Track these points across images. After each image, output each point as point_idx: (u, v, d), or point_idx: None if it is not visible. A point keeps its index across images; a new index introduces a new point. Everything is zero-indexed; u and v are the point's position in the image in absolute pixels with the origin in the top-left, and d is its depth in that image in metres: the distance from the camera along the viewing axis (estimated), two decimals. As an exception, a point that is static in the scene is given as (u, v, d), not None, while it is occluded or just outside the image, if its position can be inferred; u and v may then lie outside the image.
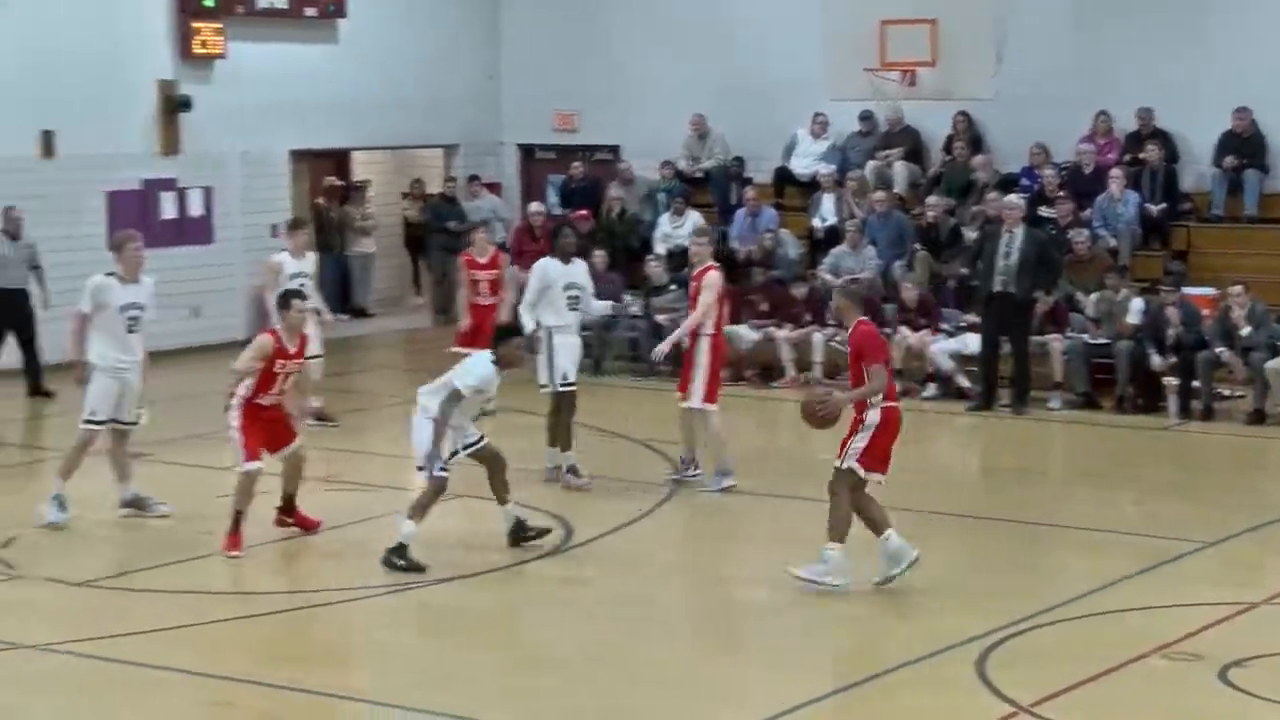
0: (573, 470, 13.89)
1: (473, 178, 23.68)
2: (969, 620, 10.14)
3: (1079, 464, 15.69)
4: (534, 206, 22.12)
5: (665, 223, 21.24)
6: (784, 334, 18.79)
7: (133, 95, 20.13)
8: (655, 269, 19.95)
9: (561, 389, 13.85)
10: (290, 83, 21.51)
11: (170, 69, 20.52)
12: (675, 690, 9.32)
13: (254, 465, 11.55)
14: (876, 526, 10.84)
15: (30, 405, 17.37)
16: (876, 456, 10.66)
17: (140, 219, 20.03)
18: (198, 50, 20.61)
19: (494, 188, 23.99)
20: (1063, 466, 16.02)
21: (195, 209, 20.79)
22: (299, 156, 22.30)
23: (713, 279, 13.64)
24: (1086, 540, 12.45)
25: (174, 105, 20.43)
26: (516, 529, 11.91)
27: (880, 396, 10.63)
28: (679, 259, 20.24)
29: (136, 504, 12.60)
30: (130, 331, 12.42)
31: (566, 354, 13.85)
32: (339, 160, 23.97)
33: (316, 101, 21.85)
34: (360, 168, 24.60)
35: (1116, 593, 10.88)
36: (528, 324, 13.70)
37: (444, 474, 11.43)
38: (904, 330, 18.02)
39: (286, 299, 12.02)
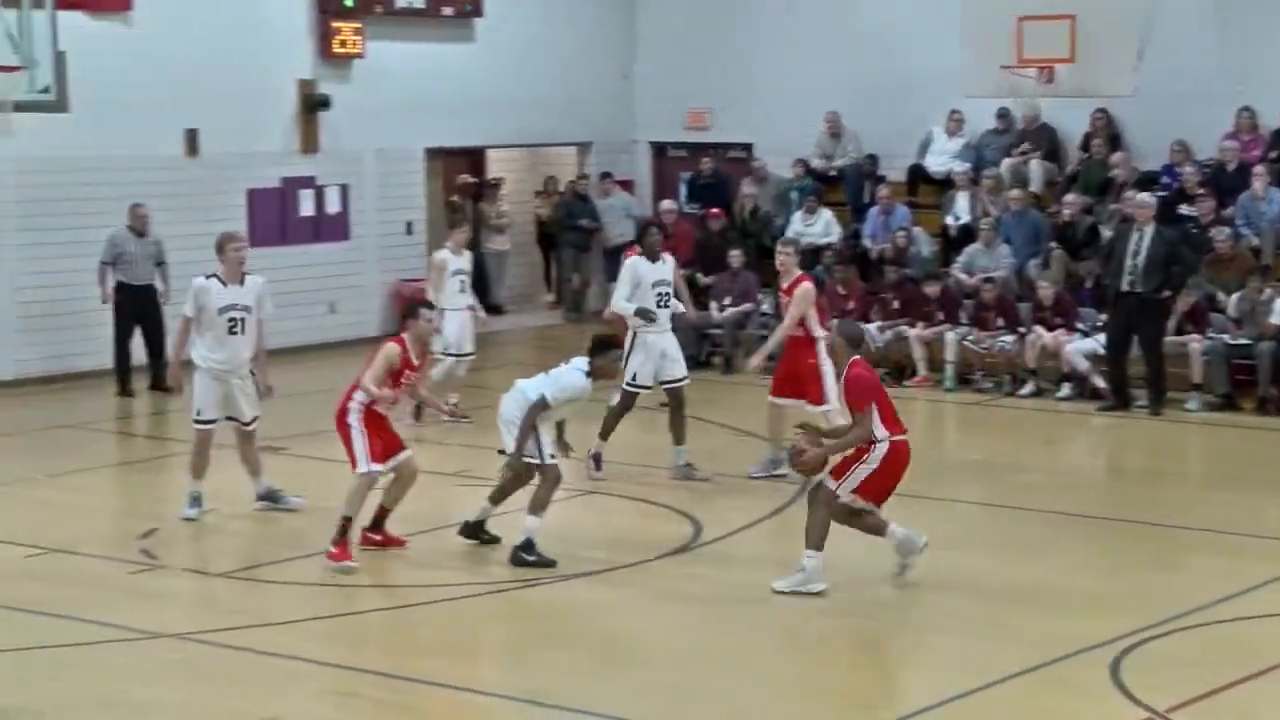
0: (688, 465, 13.95)
1: (605, 175, 23.77)
2: (1103, 623, 9.99)
3: (1218, 466, 15.41)
4: (665, 204, 22.13)
5: (797, 221, 21.16)
6: (916, 333, 18.64)
7: (274, 94, 20.42)
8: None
9: (666, 385, 13.99)
10: (427, 81, 21.72)
11: (310, 68, 20.79)
12: (805, 692, 9.28)
13: (377, 467, 11.43)
14: (878, 530, 10.80)
15: (153, 400, 17.65)
16: (874, 489, 10.64)
17: (279, 216, 20.37)
18: (337, 50, 20.87)
19: (626, 185, 24.06)
20: (1201, 469, 15.74)
21: (332, 206, 21.05)
22: (434, 154, 22.51)
23: (804, 292, 13.55)
24: (1225, 544, 12.21)
25: (313, 104, 20.71)
26: (477, 527, 11.84)
27: (885, 433, 10.53)
28: (810, 257, 20.17)
29: (270, 497, 12.77)
30: (232, 333, 12.34)
31: (652, 352, 13.89)
32: (474, 158, 24.15)
33: (452, 100, 22.03)
34: (495, 165, 24.77)
35: (1256, 598, 10.66)
36: (629, 314, 13.87)
37: (554, 462, 11.47)
38: (1039, 330, 17.80)
39: (414, 309, 11.88)
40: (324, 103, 20.71)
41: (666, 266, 14.16)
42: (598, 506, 13.29)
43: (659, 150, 24.56)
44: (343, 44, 20.91)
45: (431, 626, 10.37)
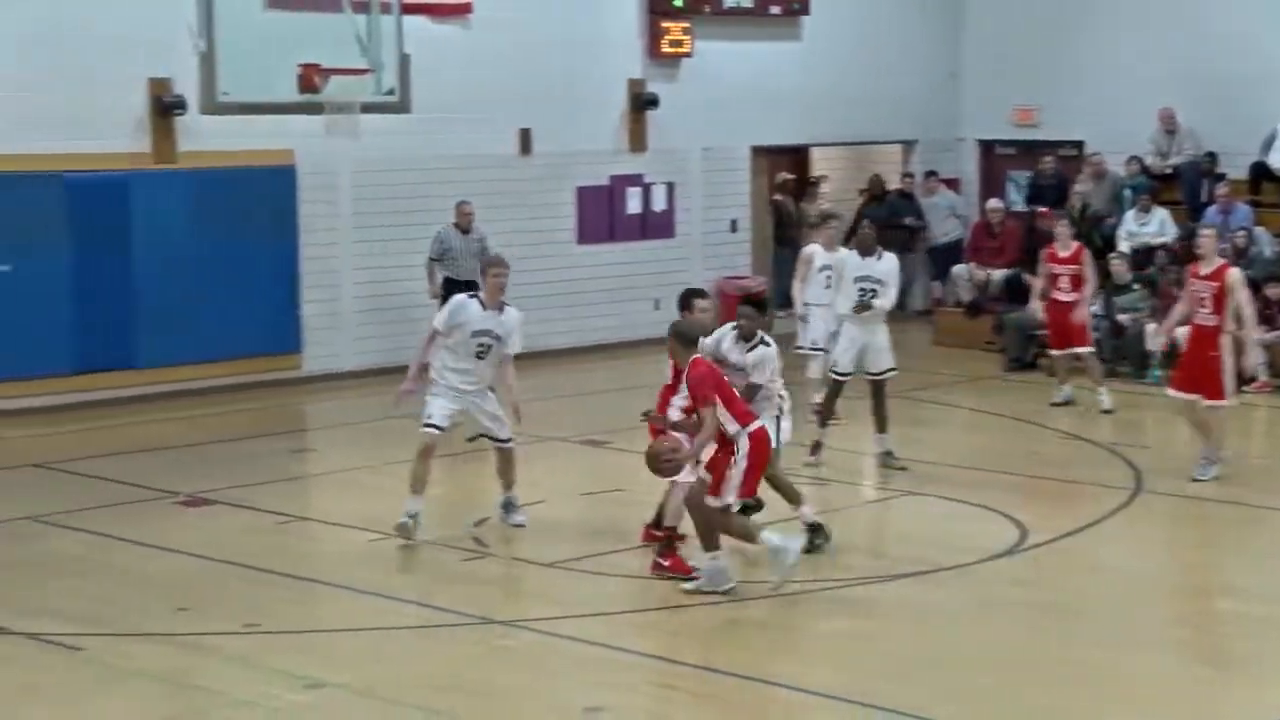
0: (888, 453, 14.17)
1: (930, 174, 23.54)
2: None
3: None
4: (992, 203, 21.81)
5: (1130, 220, 20.63)
6: (1256, 336, 17.97)
7: (604, 94, 20.79)
8: (1118, 267, 19.37)
9: (836, 376, 14.26)
10: (753, 80, 21.84)
11: (640, 68, 21.12)
12: (1139, 701, 9.06)
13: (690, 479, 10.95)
14: (748, 537, 10.67)
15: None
16: (749, 485, 10.65)
17: (607, 214, 20.74)
18: (666, 49, 21.14)
19: (952, 184, 23.79)
20: None
21: (659, 204, 21.34)
22: (758, 152, 22.62)
23: (1238, 276, 13.35)
24: None
25: (642, 103, 21.03)
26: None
27: (738, 426, 10.42)
28: (1143, 257, 19.63)
29: (506, 507, 12.48)
30: (479, 358, 12.07)
31: (855, 342, 14.12)
32: (798, 156, 24.19)
33: (777, 98, 22.10)
34: (819, 163, 24.76)
35: None
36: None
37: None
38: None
39: (689, 298, 11.62)
40: (652, 101, 21.00)
41: (879, 264, 14.25)
42: (919, 507, 13.19)
43: (986, 148, 24.21)
44: (672, 44, 21.17)
45: (751, 622, 10.43)
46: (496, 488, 12.53)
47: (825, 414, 14.41)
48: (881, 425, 14.26)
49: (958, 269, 22.03)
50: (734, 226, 22.17)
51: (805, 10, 22.27)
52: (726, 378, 10.85)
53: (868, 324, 14.17)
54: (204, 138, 17.34)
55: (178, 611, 10.37)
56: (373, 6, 16.29)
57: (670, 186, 21.45)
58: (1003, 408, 17.40)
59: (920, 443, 15.28)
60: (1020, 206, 22.78)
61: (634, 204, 21.03)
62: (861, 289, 14.16)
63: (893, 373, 14.30)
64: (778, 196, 23.38)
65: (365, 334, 18.98)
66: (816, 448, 14.22)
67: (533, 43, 19.90)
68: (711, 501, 10.59)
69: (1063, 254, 16.87)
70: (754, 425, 10.62)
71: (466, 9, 19.43)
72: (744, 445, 10.52)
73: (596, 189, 20.74)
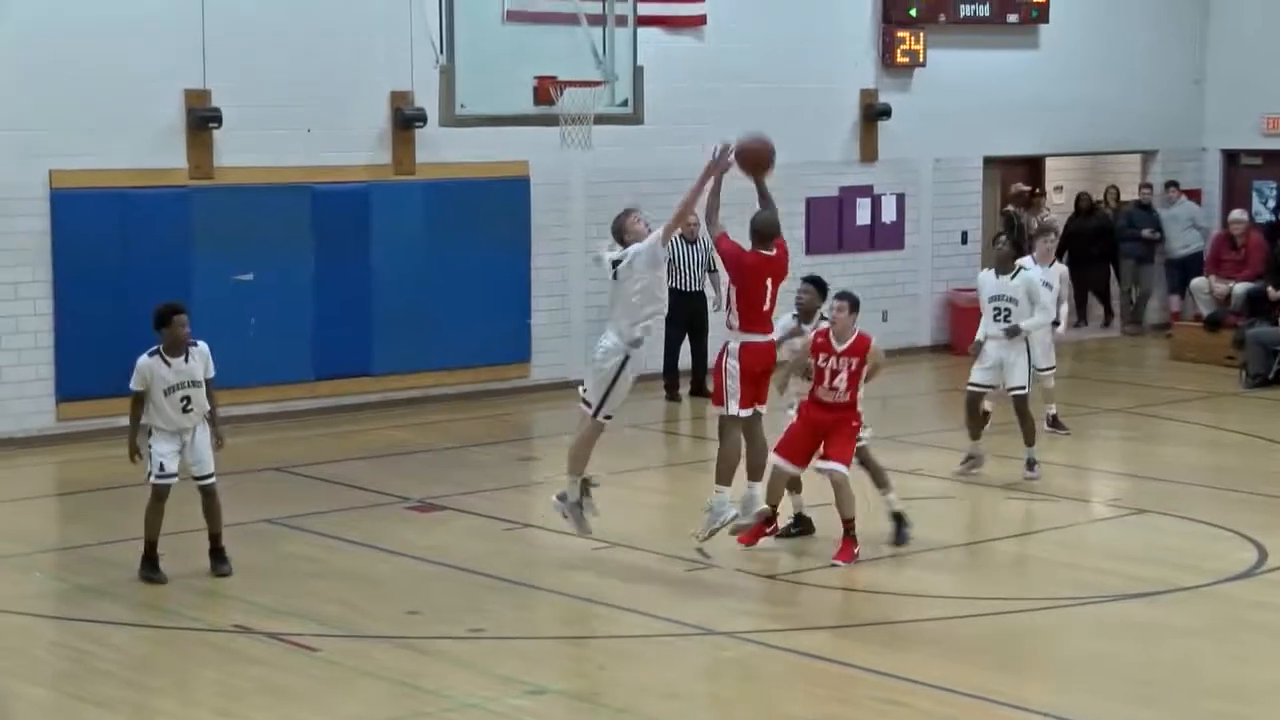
0: (1029, 463, 14.11)
1: (1170, 184, 22.99)
2: None
3: None
4: (1235, 214, 21.25)
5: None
6: None
7: (836, 104, 20.72)
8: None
9: (1010, 391, 14.15)
10: (987, 89, 21.58)
11: (872, 78, 21.00)
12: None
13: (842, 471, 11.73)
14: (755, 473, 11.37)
15: (693, 405, 18.13)
16: (748, 396, 11.24)
17: (836, 225, 20.66)
18: (900, 59, 20.99)
19: (1193, 195, 23.20)
20: None
21: (888, 215, 21.19)
22: (991, 163, 22.33)
23: None
24: None
25: (874, 113, 20.91)
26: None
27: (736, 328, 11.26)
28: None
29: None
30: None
31: (992, 360, 14.08)
32: (1032, 166, 23.81)
33: (1012, 108, 21.80)
34: (1053, 174, 24.35)
35: None
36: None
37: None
38: None
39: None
40: (885, 112, 20.87)
41: (1011, 283, 14.15)
42: (1154, 525, 12.91)
43: (1230, 158, 23.57)
44: (905, 53, 21.01)
45: (981, 640, 10.31)
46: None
47: (971, 428, 14.23)
48: (1027, 439, 14.18)
49: (1197, 282, 21.49)
50: (964, 238, 21.92)
51: (1044, 19, 21.92)
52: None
53: (1003, 342, 14.14)
54: (442, 149, 17.71)
55: (407, 615, 10.61)
56: (608, 19, 16.43)
57: (900, 198, 21.28)
58: (1242, 425, 16.94)
59: (1156, 460, 14.94)
60: (1266, 217, 22.14)
61: (863, 215, 20.92)
62: (996, 308, 14.14)
63: (1021, 390, 14.11)
64: (1009, 207, 23.04)
65: (593, 344, 19.12)
66: (969, 460, 14.22)
67: (765, 53, 19.91)
68: (719, 411, 11.26)
69: None
70: (751, 337, 11.19)
71: (700, 20, 19.54)
72: (734, 349, 11.21)
73: (826, 200, 20.67)
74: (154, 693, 9.39)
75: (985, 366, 14.20)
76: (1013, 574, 11.71)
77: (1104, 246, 22.88)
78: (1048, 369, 15.61)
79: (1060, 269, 16.27)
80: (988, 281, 14.40)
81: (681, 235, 18.18)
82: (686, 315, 18.00)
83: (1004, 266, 14.33)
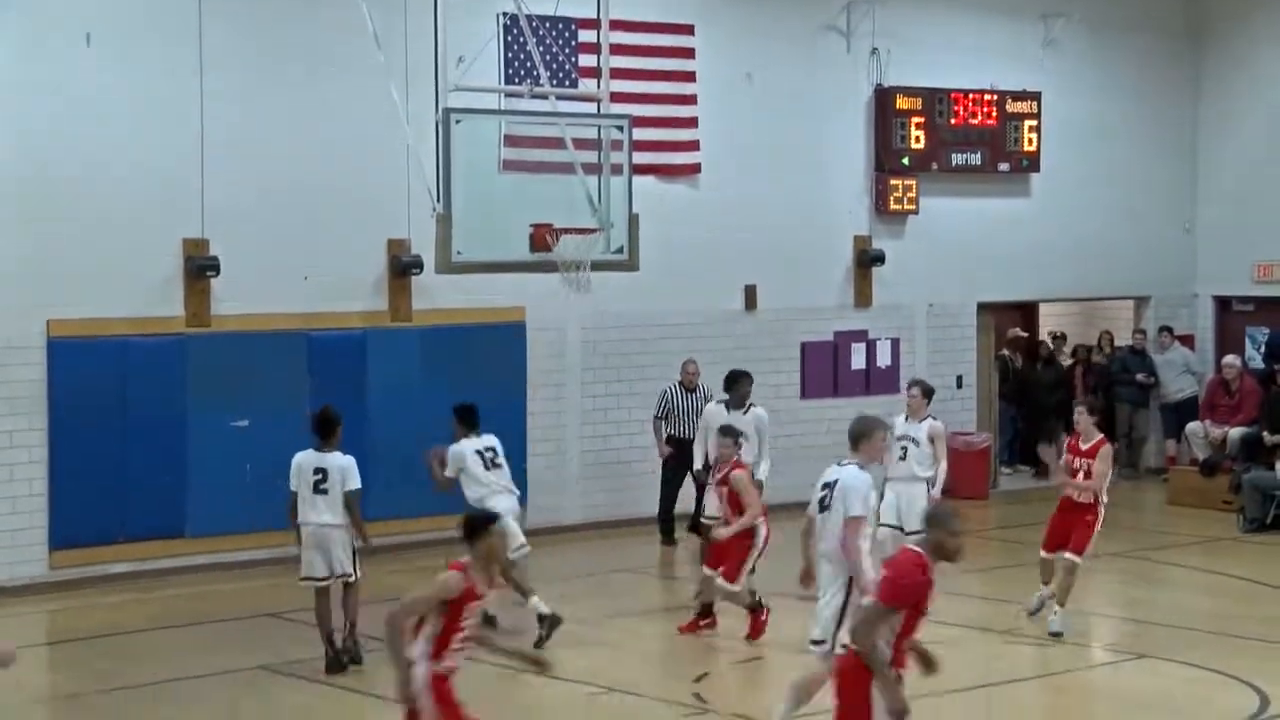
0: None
1: (1164, 329, 23.11)
2: None
3: None
4: (1228, 360, 21.33)
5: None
6: None
7: (830, 251, 20.87)
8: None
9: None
10: (980, 236, 21.75)
11: (866, 224, 21.19)
12: None
13: None
14: None
15: (690, 546, 17.97)
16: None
17: (831, 369, 20.73)
18: (893, 206, 21.19)
19: (1186, 340, 23.30)
20: None
21: (883, 360, 21.27)
22: (984, 308, 22.45)
23: None
24: None
25: (868, 259, 21.06)
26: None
27: None
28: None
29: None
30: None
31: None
32: (1026, 311, 23.95)
33: (1005, 254, 21.96)
34: (1046, 319, 24.47)
35: None
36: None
37: None
38: None
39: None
40: (878, 258, 21.03)
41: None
42: (1153, 671, 12.80)
43: (1223, 304, 23.71)
44: (898, 200, 21.22)
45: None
46: (721, 640, 12.47)
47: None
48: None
49: (1192, 426, 21.51)
50: (959, 383, 21.98)
51: (1035, 168, 22.16)
52: None
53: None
54: (438, 296, 17.81)
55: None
56: (603, 168, 16.63)
57: (895, 342, 21.37)
58: (1241, 570, 16.87)
59: (1154, 605, 14.85)
60: (1258, 364, 22.23)
61: (858, 360, 20.99)
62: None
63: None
64: (1004, 351, 23.15)
65: (589, 489, 19.16)
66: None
67: (759, 200, 20.10)
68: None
69: None
70: None
71: (695, 169, 19.75)
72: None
73: (820, 344, 20.76)
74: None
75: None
76: (1013, 720, 11.60)
77: (1062, 397, 22.46)
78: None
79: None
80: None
81: (682, 383, 18.16)
82: (683, 460, 18.01)
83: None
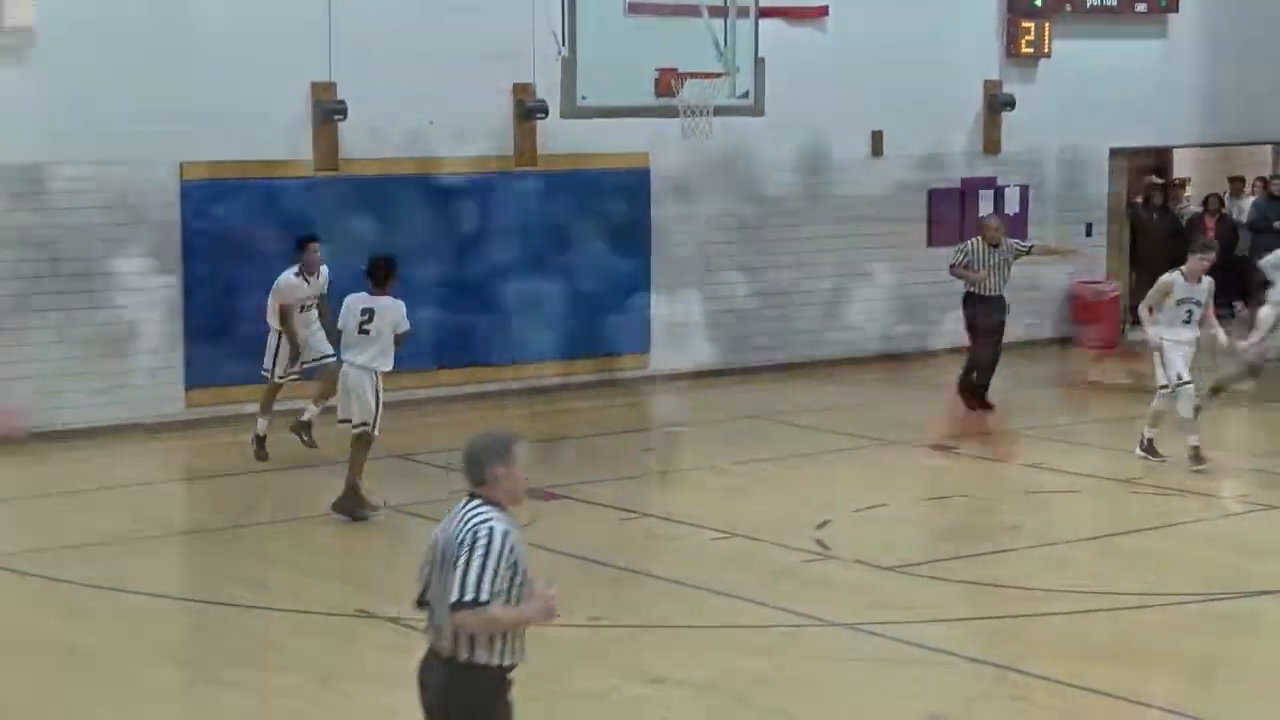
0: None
1: (1303, 176, 22.59)
2: None
3: None
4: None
5: None
6: None
7: (959, 96, 20.53)
8: None
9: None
10: (1113, 79, 21.26)
11: (996, 69, 20.80)
12: None
13: None
14: None
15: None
16: None
17: (959, 217, 20.48)
18: (1024, 50, 20.77)
19: (1327, 186, 22.76)
20: None
21: (1012, 207, 20.97)
22: (1117, 154, 22.02)
23: None
24: None
25: (998, 104, 20.70)
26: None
27: None
28: None
29: None
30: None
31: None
32: (1159, 157, 23.47)
33: (1139, 98, 21.47)
34: (1180, 165, 23.99)
35: None
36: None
37: None
38: None
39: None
40: (1008, 103, 20.66)
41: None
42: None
43: (1367, 146, 23.10)
44: (1030, 44, 20.79)
45: (1105, 635, 10.19)
46: (837, 491, 12.53)
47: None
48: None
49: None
50: (1089, 230, 21.64)
51: (1174, 7, 21.58)
52: None
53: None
54: (563, 141, 17.79)
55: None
56: (730, 11, 16.44)
57: (1024, 189, 21.06)
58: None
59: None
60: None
61: (986, 207, 20.71)
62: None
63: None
64: (1138, 199, 22.73)
65: (710, 335, 19.19)
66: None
67: (888, 44, 19.77)
68: None
69: None
70: None
71: (823, 12, 19.45)
72: None
73: (948, 192, 20.51)
74: (279, 673, 9.53)
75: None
76: (1139, 570, 11.55)
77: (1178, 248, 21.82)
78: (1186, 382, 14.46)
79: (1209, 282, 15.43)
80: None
81: (986, 240, 17.32)
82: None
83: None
